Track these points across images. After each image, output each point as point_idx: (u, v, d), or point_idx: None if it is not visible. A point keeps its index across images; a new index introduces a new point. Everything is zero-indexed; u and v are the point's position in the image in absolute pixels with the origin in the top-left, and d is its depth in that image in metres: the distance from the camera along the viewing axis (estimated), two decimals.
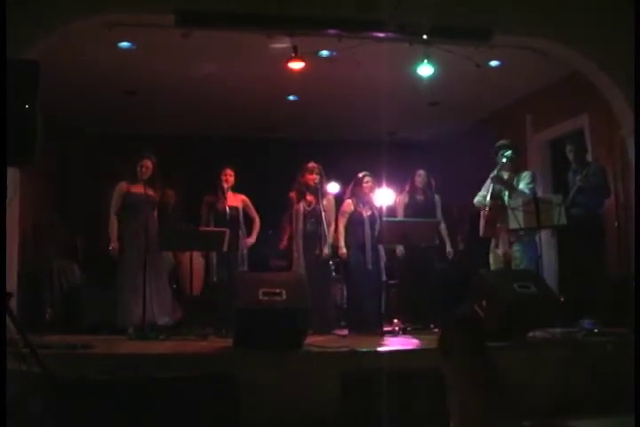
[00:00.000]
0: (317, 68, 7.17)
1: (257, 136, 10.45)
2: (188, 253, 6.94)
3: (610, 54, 6.52)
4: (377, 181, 7.50)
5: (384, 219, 7.23)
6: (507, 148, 7.01)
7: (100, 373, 4.37)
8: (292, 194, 7.23)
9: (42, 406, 3.98)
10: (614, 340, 5.45)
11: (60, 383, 4.06)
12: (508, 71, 7.69)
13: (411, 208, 7.58)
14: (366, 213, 7.27)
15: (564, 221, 6.25)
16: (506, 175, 6.97)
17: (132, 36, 6.77)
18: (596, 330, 5.99)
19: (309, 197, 7.15)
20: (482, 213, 7.12)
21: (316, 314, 5.74)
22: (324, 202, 7.12)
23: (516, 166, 7.08)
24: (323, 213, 6.97)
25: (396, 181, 8.03)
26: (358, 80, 7.97)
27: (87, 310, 7.22)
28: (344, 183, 7.78)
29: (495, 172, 6.98)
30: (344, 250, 7.14)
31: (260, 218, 7.38)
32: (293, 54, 6.66)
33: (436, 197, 7.66)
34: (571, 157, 6.98)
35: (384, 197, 7.93)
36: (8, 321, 3.90)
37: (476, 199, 7.19)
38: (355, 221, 7.24)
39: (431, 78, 6.86)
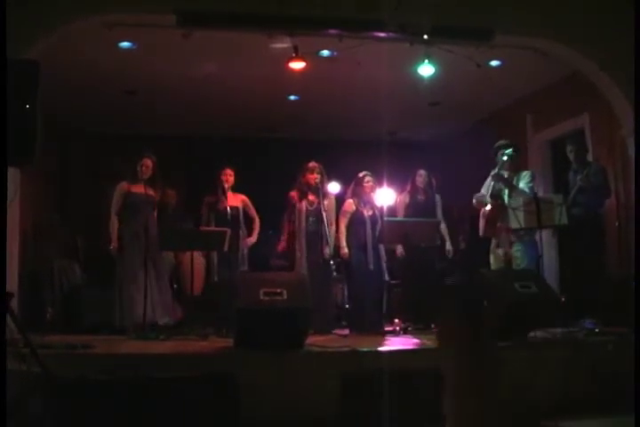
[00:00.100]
0: (318, 68, 7.17)
1: (257, 136, 10.45)
2: (188, 253, 6.94)
3: (610, 54, 6.52)
4: (378, 181, 7.50)
5: (385, 219, 7.23)
6: (507, 147, 7.01)
7: (101, 373, 4.37)
8: (293, 193, 7.23)
9: (42, 406, 3.98)
10: (615, 340, 5.45)
11: (60, 383, 4.06)
12: (508, 71, 7.69)
13: (411, 208, 7.58)
14: (367, 213, 7.27)
15: (564, 220, 6.25)
16: (506, 174, 6.97)
17: (132, 36, 6.77)
18: (596, 330, 5.98)
19: (311, 197, 7.15)
20: (481, 212, 7.12)
21: (317, 314, 5.74)
22: (325, 202, 7.13)
23: (516, 166, 7.07)
24: (324, 213, 6.98)
25: (397, 180, 8.04)
26: (359, 80, 7.97)
27: (87, 309, 7.23)
28: (345, 183, 7.78)
29: (496, 170, 6.98)
30: (346, 250, 7.14)
31: (261, 218, 7.39)
32: (294, 54, 6.66)
33: (437, 197, 7.66)
34: (571, 156, 6.98)
35: (385, 196, 7.94)
36: (9, 321, 3.90)
37: (476, 197, 7.18)
38: (356, 221, 7.23)
39: (432, 78, 6.86)
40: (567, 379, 4.98)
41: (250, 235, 7.28)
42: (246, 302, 5.04)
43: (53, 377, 4.01)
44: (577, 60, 6.87)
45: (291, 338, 5.08)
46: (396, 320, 6.83)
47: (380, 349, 5.37)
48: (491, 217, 6.96)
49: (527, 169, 7.53)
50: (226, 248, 6.62)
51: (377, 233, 7.13)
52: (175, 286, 7.43)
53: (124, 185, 6.89)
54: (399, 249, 7.46)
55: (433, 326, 6.84)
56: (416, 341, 5.98)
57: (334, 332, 6.70)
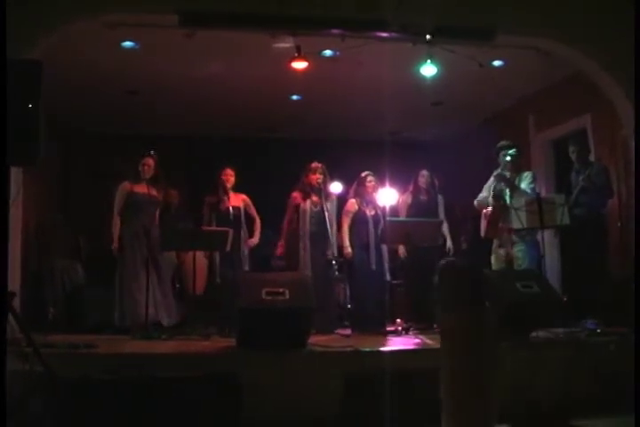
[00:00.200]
0: (320, 68, 7.17)
1: (259, 136, 10.44)
2: (191, 253, 6.94)
3: (612, 54, 6.51)
4: (380, 181, 7.50)
5: (387, 219, 7.23)
6: (508, 148, 7.01)
7: (103, 372, 4.37)
8: (296, 194, 7.23)
9: (44, 406, 3.98)
10: (617, 340, 5.45)
11: (63, 383, 4.07)
12: (510, 71, 7.69)
13: (414, 208, 7.59)
14: (370, 213, 7.27)
15: (566, 221, 6.25)
16: (508, 175, 6.97)
17: (134, 36, 6.77)
18: (598, 330, 5.98)
19: (314, 198, 7.16)
20: (483, 213, 7.13)
21: (319, 314, 5.75)
22: (328, 202, 7.14)
23: (518, 167, 7.08)
24: (326, 214, 6.99)
25: (399, 180, 8.03)
26: (361, 80, 7.97)
27: (90, 309, 7.24)
28: (347, 183, 7.78)
29: (498, 171, 6.99)
30: (349, 249, 7.15)
31: (262, 218, 7.39)
32: (296, 54, 6.67)
33: (440, 198, 7.66)
34: (573, 157, 6.98)
35: (387, 196, 7.94)
36: (11, 320, 3.91)
37: (477, 201, 7.19)
38: (358, 221, 7.24)
39: (434, 78, 6.86)
40: (569, 379, 4.99)
41: (251, 236, 7.28)
42: (249, 301, 5.05)
43: (56, 377, 4.02)
44: (579, 60, 6.86)
45: (293, 338, 5.09)
46: (398, 320, 6.83)
47: (383, 349, 5.37)
48: (492, 218, 6.97)
49: (529, 169, 7.53)
50: (228, 248, 6.63)
51: (379, 233, 7.14)
52: (177, 285, 7.43)
53: (126, 185, 6.89)
54: (401, 249, 7.46)
55: (435, 326, 6.84)
56: (418, 341, 5.98)
57: (336, 332, 6.70)
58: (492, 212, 6.95)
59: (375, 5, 6.00)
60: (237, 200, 7.21)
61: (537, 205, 6.28)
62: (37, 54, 5.50)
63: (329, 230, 6.95)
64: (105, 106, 9.06)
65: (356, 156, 8.80)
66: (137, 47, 7.05)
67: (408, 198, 7.70)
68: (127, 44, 6.95)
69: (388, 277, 7.34)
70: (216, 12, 6.07)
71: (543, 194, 7.23)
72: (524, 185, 6.89)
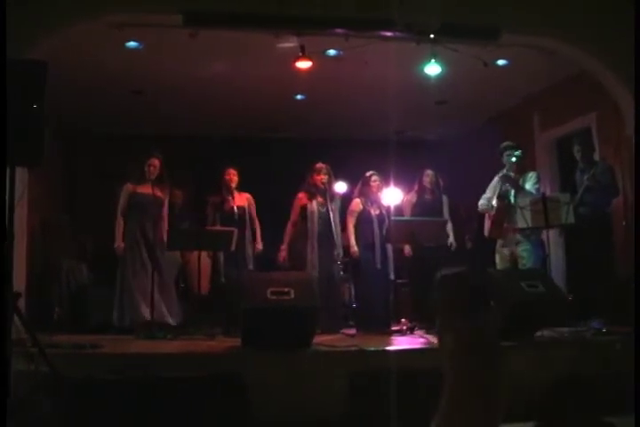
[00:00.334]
0: (325, 68, 7.17)
1: (264, 136, 10.44)
2: (195, 253, 6.95)
3: (616, 53, 6.50)
4: (384, 181, 7.50)
5: (392, 218, 7.23)
6: (513, 148, 7.00)
7: (109, 372, 4.38)
8: (301, 195, 7.23)
9: (50, 406, 3.99)
10: (622, 339, 5.43)
11: (68, 383, 4.07)
12: (515, 70, 7.67)
13: (418, 208, 7.58)
14: (375, 213, 7.27)
15: (571, 220, 6.24)
16: (512, 176, 6.97)
17: (139, 36, 6.77)
18: (604, 329, 5.97)
19: (320, 198, 7.15)
20: (487, 213, 7.13)
21: (324, 313, 5.74)
22: (333, 203, 7.14)
23: (522, 167, 7.08)
24: (331, 214, 6.99)
25: (404, 180, 8.03)
26: (366, 79, 7.96)
27: (95, 309, 7.25)
28: (352, 183, 7.78)
29: (504, 171, 6.98)
30: (356, 248, 7.14)
31: (266, 218, 7.39)
32: (301, 54, 6.67)
33: (444, 198, 7.65)
34: (578, 156, 6.96)
35: (392, 196, 7.93)
36: (16, 321, 3.91)
37: (481, 202, 7.18)
38: (363, 221, 7.24)
39: (438, 77, 6.86)
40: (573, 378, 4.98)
41: (254, 239, 7.27)
42: (254, 301, 5.05)
43: (61, 377, 4.03)
44: (583, 59, 6.86)
45: (298, 337, 5.09)
46: (403, 320, 6.83)
47: (388, 348, 5.38)
48: (497, 218, 6.97)
49: (534, 169, 7.54)
50: (233, 248, 6.63)
51: (384, 232, 7.13)
52: (182, 285, 7.44)
53: (129, 186, 6.90)
54: (407, 248, 7.46)
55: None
56: (423, 340, 5.98)
57: (341, 331, 6.70)
58: (497, 212, 6.95)
59: (379, 5, 5.99)
60: (242, 200, 7.22)
61: (542, 204, 6.28)
62: (42, 54, 5.50)
63: (334, 231, 6.96)
64: (110, 106, 9.06)
65: (361, 155, 8.79)
66: (141, 47, 7.06)
67: (413, 198, 7.69)
68: (132, 44, 6.95)
69: (392, 276, 7.34)
70: (220, 11, 6.08)
71: (548, 193, 7.22)
72: (528, 185, 6.89)
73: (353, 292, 7.84)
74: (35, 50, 5.56)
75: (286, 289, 5.08)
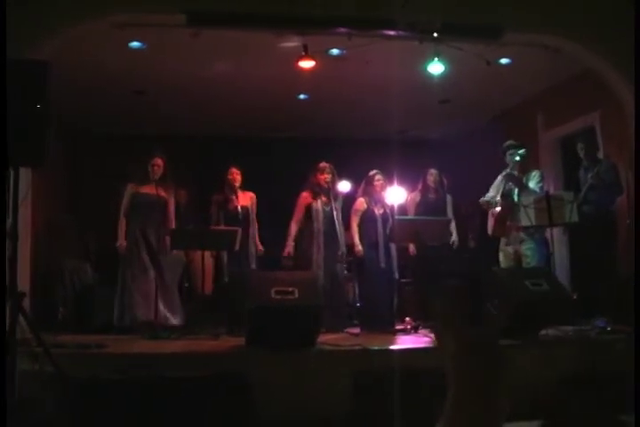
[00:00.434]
0: (327, 67, 7.17)
1: (267, 135, 10.44)
2: (199, 252, 6.96)
3: (621, 52, 6.49)
4: (388, 180, 7.49)
5: (395, 217, 7.23)
6: (516, 147, 7.00)
7: (113, 372, 4.38)
8: (305, 194, 7.22)
9: (54, 406, 4.00)
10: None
11: (72, 383, 4.08)
12: (518, 69, 7.67)
13: (422, 207, 7.59)
14: (379, 212, 7.27)
15: (575, 218, 6.23)
16: (516, 175, 6.97)
17: (142, 36, 6.77)
18: (608, 328, 5.97)
19: (324, 197, 7.16)
20: (490, 212, 7.12)
21: (328, 312, 5.74)
22: (336, 202, 7.15)
23: (525, 166, 7.07)
24: (335, 213, 7.00)
25: (408, 179, 8.03)
26: (368, 78, 7.96)
27: (99, 309, 7.25)
28: (355, 182, 7.78)
29: (508, 170, 6.98)
30: (360, 247, 7.14)
31: (270, 218, 7.40)
32: (303, 53, 6.66)
33: (448, 197, 7.65)
34: (582, 154, 6.96)
35: (395, 195, 7.93)
36: (21, 321, 3.92)
37: (484, 200, 7.18)
38: (367, 220, 7.24)
39: (442, 76, 6.85)
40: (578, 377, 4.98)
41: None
42: (258, 300, 5.05)
43: (66, 377, 4.03)
44: (587, 58, 6.85)
45: (302, 337, 5.09)
46: (408, 319, 6.84)
47: (392, 347, 5.38)
48: (500, 216, 6.96)
49: (537, 168, 7.52)
50: (237, 247, 6.64)
51: (388, 232, 7.13)
52: (186, 285, 7.44)
53: (132, 187, 6.93)
54: (412, 247, 7.46)
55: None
56: (427, 339, 5.97)
57: (345, 330, 6.70)
58: (500, 210, 6.94)
59: (382, 3, 5.99)
60: (246, 199, 7.22)
61: (546, 202, 6.27)
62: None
63: (338, 230, 6.96)
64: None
65: (364, 154, 8.79)
66: (144, 47, 7.06)
67: (416, 197, 7.70)
68: (134, 44, 6.96)
69: (396, 275, 7.35)
70: (223, 11, 6.07)
71: (552, 192, 7.22)
72: (532, 184, 6.88)
73: (357, 291, 7.83)
74: (35, 50, 5.55)
75: (290, 289, 5.09)
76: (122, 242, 6.77)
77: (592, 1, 6.54)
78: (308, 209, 7.15)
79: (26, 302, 4.16)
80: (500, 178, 7.13)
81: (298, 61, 6.82)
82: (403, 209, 7.80)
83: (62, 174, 9.69)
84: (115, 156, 9.79)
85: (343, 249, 7.07)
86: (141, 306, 6.56)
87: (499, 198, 6.99)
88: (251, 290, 5.17)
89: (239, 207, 7.04)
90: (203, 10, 6.00)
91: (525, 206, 6.45)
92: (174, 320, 6.66)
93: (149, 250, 6.74)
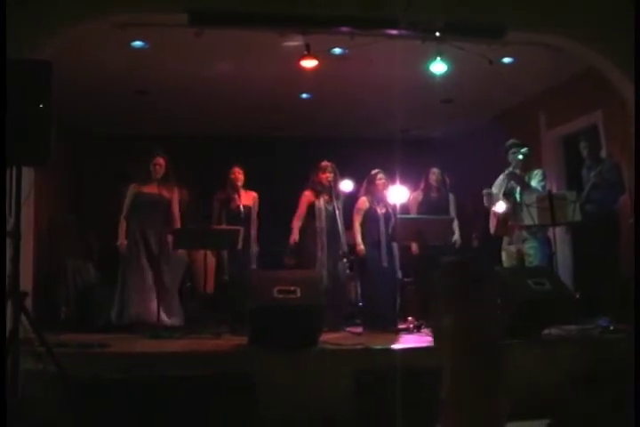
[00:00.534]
0: (330, 66, 7.16)
1: (269, 135, 10.44)
2: (201, 252, 6.96)
3: (624, 50, 6.47)
4: (390, 179, 7.49)
5: (398, 216, 7.23)
6: (519, 146, 6.99)
7: (115, 371, 4.39)
8: (308, 192, 7.22)
9: (57, 406, 4.00)
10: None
11: (74, 382, 4.08)
12: (521, 68, 7.66)
13: (424, 206, 7.58)
14: (381, 211, 7.27)
15: (578, 217, 6.23)
16: (518, 173, 6.96)
17: (144, 36, 6.77)
18: (611, 327, 5.96)
19: (326, 196, 7.16)
20: (492, 211, 7.12)
21: (330, 311, 5.74)
22: (338, 200, 7.15)
23: (527, 165, 7.07)
24: (337, 212, 7.00)
25: (410, 178, 8.02)
26: (371, 78, 7.95)
27: (102, 308, 7.25)
28: (358, 181, 7.78)
29: (511, 169, 6.97)
30: (362, 246, 7.14)
31: (273, 217, 7.40)
32: (306, 52, 6.65)
33: (451, 196, 7.65)
34: (585, 152, 6.96)
35: (398, 194, 7.93)
36: (24, 320, 3.92)
37: (485, 195, 7.17)
38: (370, 219, 7.24)
39: (444, 75, 6.84)
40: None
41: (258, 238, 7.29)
42: (260, 300, 5.06)
43: (67, 377, 4.03)
44: (590, 56, 6.83)
45: (305, 336, 5.10)
46: (410, 318, 6.84)
47: (394, 347, 5.38)
48: (502, 216, 6.96)
49: (540, 167, 7.52)
50: (239, 247, 6.64)
51: (390, 231, 7.13)
52: (189, 284, 7.45)
53: (134, 187, 6.95)
54: (414, 246, 7.45)
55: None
56: (429, 338, 5.97)
57: (348, 330, 6.70)
58: (502, 210, 6.94)
59: (384, 3, 5.98)
60: (248, 198, 7.22)
61: (548, 201, 6.27)
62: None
63: (340, 229, 6.96)
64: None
65: (367, 154, 8.79)
66: (146, 47, 7.06)
67: (419, 196, 7.70)
68: (137, 43, 6.96)
69: (399, 274, 7.34)
70: (225, 10, 6.06)
71: (554, 191, 7.22)
72: (534, 183, 6.88)
73: (359, 290, 7.83)
74: (36, 50, 5.53)
75: (293, 288, 5.09)
76: (122, 241, 6.81)
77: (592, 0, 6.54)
78: (311, 208, 7.16)
79: (28, 302, 4.16)
80: (502, 177, 7.12)
81: (300, 61, 6.81)
82: (405, 208, 7.79)
83: (63, 174, 9.70)
84: (115, 156, 9.82)
85: (344, 248, 7.07)
86: (136, 305, 6.60)
87: (501, 197, 6.98)
88: (253, 289, 5.18)
89: (241, 206, 7.05)
90: (204, 9, 6.00)
91: (528, 205, 6.45)
92: (169, 320, 6.65)
93: (148, 250, 6.78)
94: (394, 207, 7.50)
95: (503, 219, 6.97)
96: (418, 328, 6.56)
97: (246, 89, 8.44)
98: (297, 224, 7.18)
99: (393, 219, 7.20)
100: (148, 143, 7.80)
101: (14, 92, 3.87)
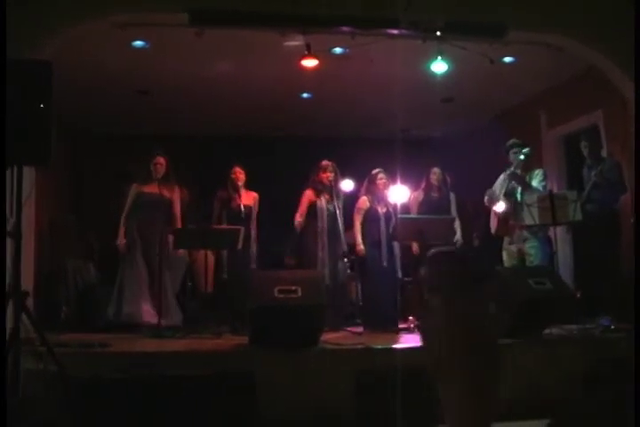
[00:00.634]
0: (331, 66, 7.17)
1: (270, 134, 10.44)
2: (202, 251, 6.97)
3: (624, 50, 6.47)
4: (391, 178, 7.49)
5: (399, 216, 7.23)
6: (520, 146, 6.99)
7: (116, 371, 4.39)
8: (309, 191, 7.23)
9: (58, 406, 4.00)
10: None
11: (74, 382, 4.08)
12: (522, 68, 7.66)
13: (425, 205, 7.58)
14: (382, 210, 7.27)
15: (579, 217, 6.23)
16: (519, 173, 6.96)
17: (145, 35, 6.77)
18: (612, 327, 5.96)
19: (327, 196, 7.16)
20: (493, 211, 7.12)
21: (331, 311, 5.74)
22: (339, 200, 7.15)
23: (528, 164, 7.07)
24: (338, 211, 6.99)
25: (411, 178, 8.02)
26: (372, 77, 7.95)
27: (102, 308, 7.25)
28: (358, 181, 7.78)
29: (512, 169, 6.96)
30: (362, 246, 7.15)
31: (273, 217, 7.40)
32: (307, 52, 6.65)
33: (451, 195, 7.66)
34: (585, 152, 6.95)
35: (398, 194, 7.93)
36: (25, 320, 3.92)
37: (487, 198, 7.17)
38: (370, 218, 7.24)
39: (445, 75, 6.84)
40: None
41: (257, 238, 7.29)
42: (261, 299, 5.06)
43: (67, 377, 4.03)
44: (591, 56, 6.83)
45: (305, 336, 5.09)
46: (411, 318, 6.83)
47: (394, 346, 5.38)
48: (503, 215, 6.95)
49: (540, 166, 7.52)
50: (240, 246, 6.64)
51: (391, 230, 7.13)
52: (190, 283, 7.45)
53: (135, 187, 6.98)
54: (415, 246, 7.45)
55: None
56: None
57: (348, 329, 6.70)
58: (503, 209, 6.93)
59: (385, 3, 5.98)
60: (249, 198, 7.24)
61: (549, 201, 6.26)
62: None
63: (341, 228, 6.96)
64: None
65: (367, 153, 8.78)
66: (147, 47, 7.06)
67: (420, 196, 7.69)
68: (137, 43, 6.96)
69: (399, 274, 7.34)
70: (226, 10, 6.06)
71: (555, 190, 7.22)
72: (535, 183, 6.88)
73: (359, 290, 7.83)
74: (36, 50, 5.54)
75: (293, 287, 5.09)
76: (121, 241, 6.84)
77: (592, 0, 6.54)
78: (312, 207, 7.16)
79: (29, 302, 4.16)
80: (502, 177, 7.12)
81: (301, 60, 6.81)
82: (405, 208, 7.79)
83: (63, 174, 9.70)
84: (115, 156, 9.82)
85: (344, 247, 7.07)
86: (129, 305, 6.64)
87: (502, 197, 6.98)
88: (254, 289, 5.17)
89: (242, 206, 7.06)
90: (205, 9, 6.00)
91: (529, 205, 6.45)
92: (164, 320, 6.64)
93: (145, 249, 6.80)
94: (394, 207, 7.49)
95: (504, 218, 6.97)
96: (418, 328, 6.55)
97: (247, 89, 8.44)
98: (299, 219, 7.17)
99: (393, 218, 7.20)
100: (148, 143, 7.81)
101: (15, 93, 3.87)
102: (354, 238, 7.20)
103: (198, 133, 10.31)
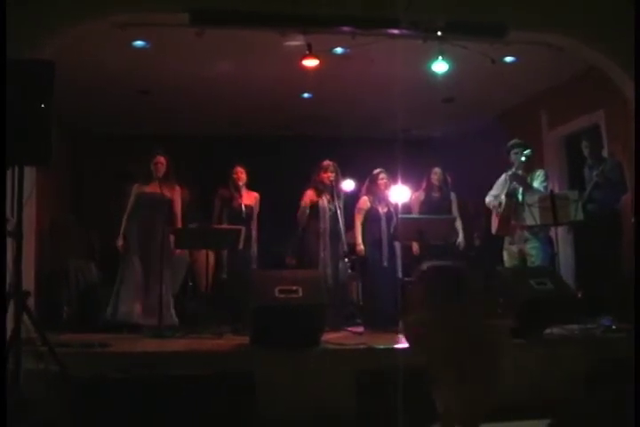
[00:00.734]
0: (331, 66, 7.17)
1: (271, 134, 10.43)
2: (203, 251, 6.97)
3: (625, 50, 6.46)
4: (392, 178, 7.49)
5: (400, 216, 7.22)
6: (521, 146, 6.98)
7: (116, 371, 4.38)
8: (310, 191, 7.23)
9: (58, 405, 4.00)
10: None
11: (75, 382, 4.08)
12: (523, 68, 7.65)
13: (426, 205, 7.58)
14: (382, 210, 7.28)
15: (580, 217, 6.22)
16: (521, 174, 6.95)
17: (146, 35, 6.77)
18: (613, 327, 5.95)
19: (328, 195, 7.16)
20: (493, 211, 7.11)
21: (332, 311, 5.73)
22: (340, 200, 7.15)
23: (529, 165, 7.06)
24: (339, 211, 6.99)
25: (411, 178, 8.02)
26: (372, 77, 7.95)
27: (103, 308, 7.25)
28: (359, 181, 7.78)
29: (513, 170, 6.95)
30: (362, 247, 7.15)
31: (274, 217, 7.40)
32: (307, 52, 6.66)
33: (452, 195, 7.65)
34: (586, 152, 6.95)
35: (399, 194, 7.93)
36: (26, 320, 3.92)
37: (488, 199, 7.17)
38: (371, 218, 7.24)
39: (445, 75, 6.84)
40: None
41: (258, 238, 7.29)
42: (262, 299, 5.06)
43: (68, 377, 4.03)
44: (592, 56, 6.83)
45: (306, 336, 5.09)
46: None
47: (396, 346, 5.37)
48: (504, 216, 6.95)
49: (542, 166, 7.52)
50: (240, 246, 6.63)
51: (391, 230, 7.13)
52: (191, 283, 7.45)
53: (136, 187, 6.98)
54: (415, 246, 7.45)
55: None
56: None
57: (349, 329, 6.69)
58: (504, 209, 6.93)
59: (386, 3, 5.98)
60: (250, 198, 7.24)
61: (550, 201, 6.26)
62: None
63: (341, 228, 6.96)
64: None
65: (368, 153, 8.76)
66: (147, 46, 7.06)
67: (421, 196, 7.69)
68: (138, 43, 6.96)
69: (400, 274, 7.33)
70: (227, 10, 6.06)
71: (556, 190, 7.20)
72: (536, 184, 6.87)
73: (360, 289, 7.83)
74: (36, 50, 5.54)
75: (294, 287, 5.09)
76: (120, 242, 6.85)
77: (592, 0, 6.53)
78: (313, 207, 7.16)
79: (30, 302, 4.16)
80: (503, 177, 7.12)
81: (302, 60, 6.82)
82: (406, 208, 7.78)
83: (64, 174, 9.71)
84: (115, 156, 9.82)
85: (345, 247, 7.07)
86: (124, 305, 6.66)
87: (503, 197, 6.97)
88: (255, 289, 5.18)
89: (243, 206, 7.07)
90: (205, 9, 5.99)
91: (530, 205, 6.44)
92: (153, 320, 6.64)
93: (143, 249, 6.80)
94: (395, 207, 7.49)
95: (504, 218, 6.96)
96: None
97: (247, 89, 8.44)
98: (302, 218, 7.17)
99: (394, 218, 7.20)
100: (149, 143, 7.79)
101: (16, 92, 3.87)
102: (354, 238, 7.21)
103: (198, 133, 10.30)
